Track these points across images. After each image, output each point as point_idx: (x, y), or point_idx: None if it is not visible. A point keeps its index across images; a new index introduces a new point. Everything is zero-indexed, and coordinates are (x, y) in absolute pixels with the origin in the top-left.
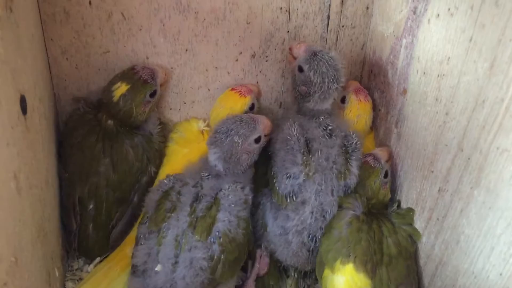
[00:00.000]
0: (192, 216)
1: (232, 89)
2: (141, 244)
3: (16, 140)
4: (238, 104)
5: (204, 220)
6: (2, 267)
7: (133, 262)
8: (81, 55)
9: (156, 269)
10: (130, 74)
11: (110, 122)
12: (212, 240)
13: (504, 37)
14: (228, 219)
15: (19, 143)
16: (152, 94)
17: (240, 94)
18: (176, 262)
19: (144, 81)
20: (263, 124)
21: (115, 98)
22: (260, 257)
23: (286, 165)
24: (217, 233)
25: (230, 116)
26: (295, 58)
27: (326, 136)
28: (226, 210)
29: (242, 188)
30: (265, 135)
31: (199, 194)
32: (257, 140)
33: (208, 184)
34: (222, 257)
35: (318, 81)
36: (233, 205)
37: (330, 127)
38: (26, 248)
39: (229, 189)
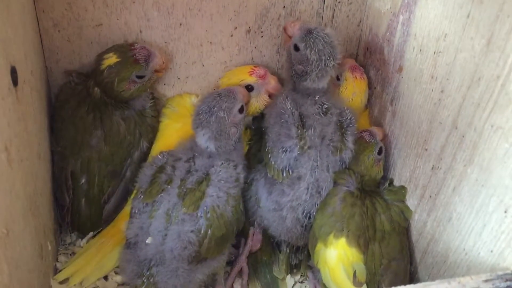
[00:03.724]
0: (182, 187)
1: (254, 66)
2: (135, 218)
3: (7, 111)
4: (239, 75)
5: (193, 193)
6: None
7: (126, 235)
8: (73, 28)
9: (146, 241)
10: (126, 49)
11: (96, 90)
12: (199, 214)
13: (502, 13)
14: (217, 195)
15: (9, 114)
16: (140, 76)
17: (251, 72)
18: (166, 235)
19: (135, 60)
20: (241, 93)
21: (102, 67)
22: (253, 234)
23: (281, 139)
24: (205, 208)
25: (206, 95)
26: (290, 37)
27: (321, 113)
28: (215, 186)
29: (235, 166)
30: (245, 104)
31: (191, 169)
32: (241, 110)
33: (201, 160)
34: (209, 232)
35: (315, 59)
36: (223, 181)
37: (325, 106)
38: (18, 221)
39: (221, 166)
